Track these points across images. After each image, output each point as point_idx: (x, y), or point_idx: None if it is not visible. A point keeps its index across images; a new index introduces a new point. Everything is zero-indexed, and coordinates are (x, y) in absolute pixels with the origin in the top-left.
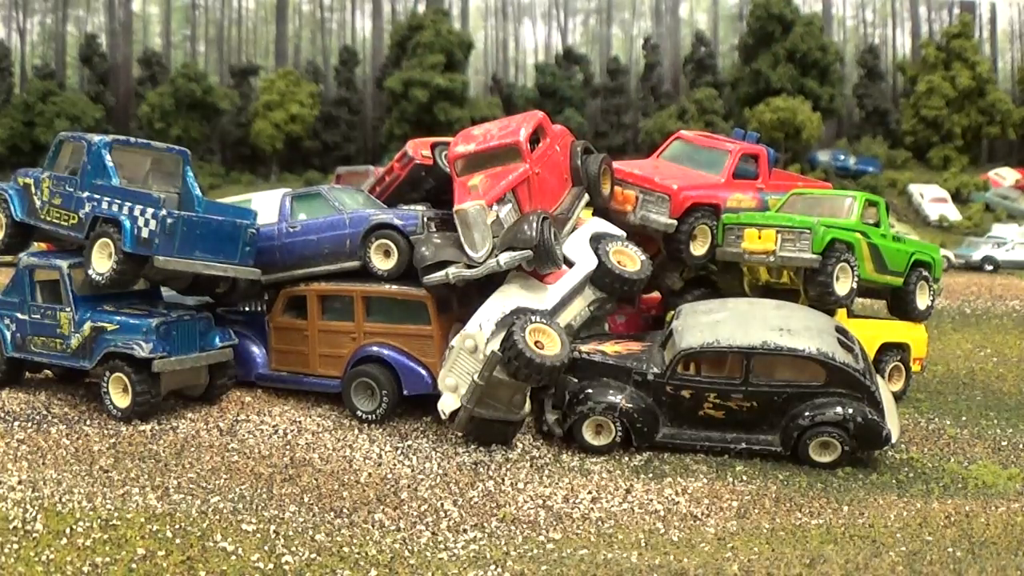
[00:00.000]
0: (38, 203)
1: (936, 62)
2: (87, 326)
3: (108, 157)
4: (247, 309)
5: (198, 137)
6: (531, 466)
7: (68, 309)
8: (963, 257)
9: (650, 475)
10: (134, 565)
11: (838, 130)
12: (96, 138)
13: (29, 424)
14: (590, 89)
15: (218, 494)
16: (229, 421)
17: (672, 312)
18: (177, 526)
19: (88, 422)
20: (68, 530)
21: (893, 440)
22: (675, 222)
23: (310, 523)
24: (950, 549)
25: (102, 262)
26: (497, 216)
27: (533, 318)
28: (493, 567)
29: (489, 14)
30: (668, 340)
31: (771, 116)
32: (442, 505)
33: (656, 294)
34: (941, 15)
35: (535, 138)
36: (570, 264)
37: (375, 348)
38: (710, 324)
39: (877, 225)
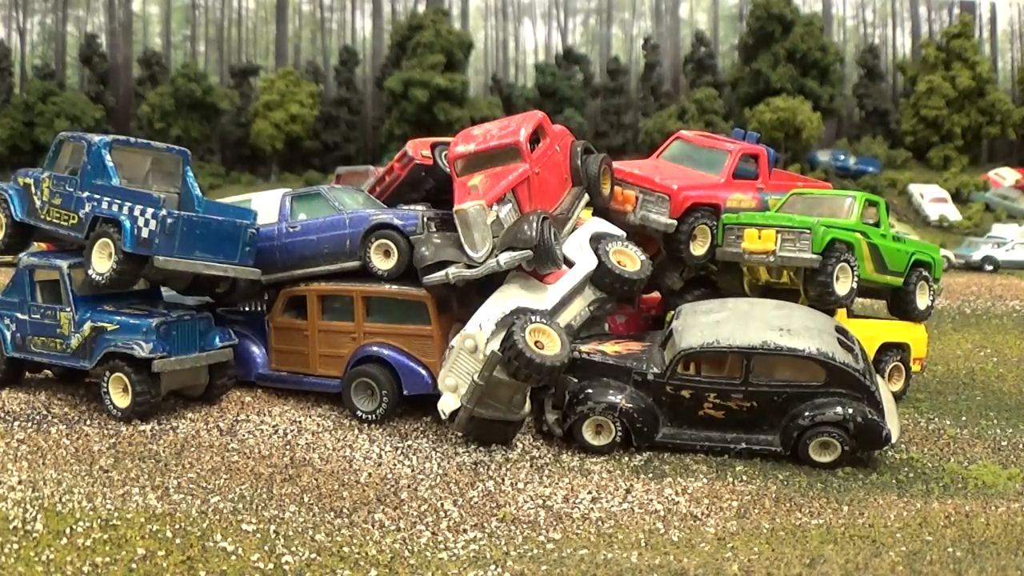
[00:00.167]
0: (38, 203)
1: (936, 62)
2: (87, 326)
3: (108, 157)
4: (247, 309)
5: (198, 137)
6: (531, 466)
7: (68, 309)
8: (963, 257)
9: (650, 475)
10: (134, 565)
11: (838, 130)
12: (96, 138)
13: (29, 424)
14: (590, 89)
15: (218, 494)
16: (229, 421)
17: (672, 312)
18: (177, 526)
19: (88, 422)
20: (68, 530)
21: (893, 440)
22: (675, 222)
23: (310, 523)
24: (950, 549)
25: (102, 262)
26: (497, 216)
27: (533, 318)
28: (493, 567)
29: (489, 14)
30: (668, 340)
31: (771, 116)
32: (442, 505)
33: (656, 294)
34: (941, 15)
35: (535, 138)
36: (570, 264)
37: (375, 348)
38: (710, 324)
39: (877, 225)
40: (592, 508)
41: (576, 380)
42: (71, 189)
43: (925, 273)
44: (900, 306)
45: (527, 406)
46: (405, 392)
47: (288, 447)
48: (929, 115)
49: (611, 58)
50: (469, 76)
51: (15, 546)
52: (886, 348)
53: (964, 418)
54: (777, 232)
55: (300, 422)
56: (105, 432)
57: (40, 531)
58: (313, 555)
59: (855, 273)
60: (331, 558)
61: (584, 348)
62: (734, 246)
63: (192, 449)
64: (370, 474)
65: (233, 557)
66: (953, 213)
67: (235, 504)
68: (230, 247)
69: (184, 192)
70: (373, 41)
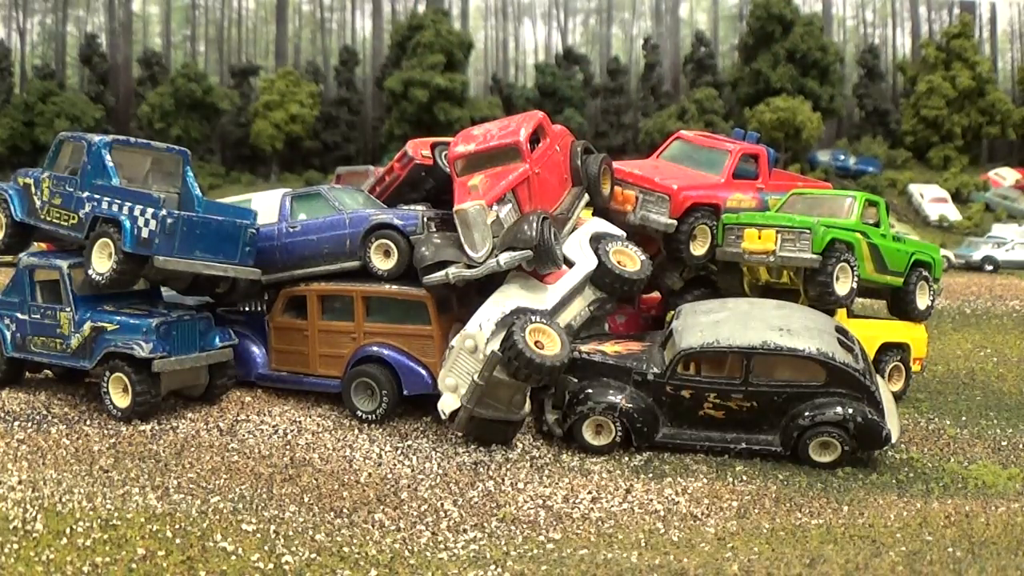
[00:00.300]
0: (38, 203)
1: (936, 62)
2: (87, 326)
3: (108, 157)
4: (247, 309)
5: (198, 137)
6: (531, 466)
7: (68, 309)
8: (963, 257)
9: (650, 475)
10: (134, 565)
11: (838, 130)
12: (96, 138)
13: (29, 424)
14: (590, 89)
15: (218, 494)
16: (229, 421)
17: (672, 312)
18: (177, 526)
19: (88, 422)
20: (68, 530)
21: (893, 440)
22: (675, 222)
23: (310, 523)
24: (950, 549)
25: (102, 262)
26: (497, 216)
27: (533, 318)
28: (493, 567)
29: (489, 14)
30: (668, 340)
31: (771, 116)
32: (442, 505)
33: (656, 294)
34: (941, 15)
35: (535, 138)
36: (570, 264)
37: (375, 348)
38: (710, 324)
39: (877, 225)
40: (592, 508)
41: (576, 380)
42: (71, 189)
43: (925, 273)
44: (900, 306)
45: (527, 406)
46: (405, 392)
47: (288, 447)
48: (929, 115)
49: (611, 58)
50: (469, 76)
51: (15, 546)
52: (886, 348)
53: (964, 418)
54: (777, 232)
55: (300, 422)
56: (105, 432)
57: (40, 531)
58: (313, 555)
59: (855, 273)
60: (331, 558)
61: (584, 348)
62: (734, 246)
63: (192, 449)
64: (370, 474)
65: (233, 557)
66: (953, 213)
67: (235, 504)
68: (230, 247)
69: (184, 192)
70: (373, 41)
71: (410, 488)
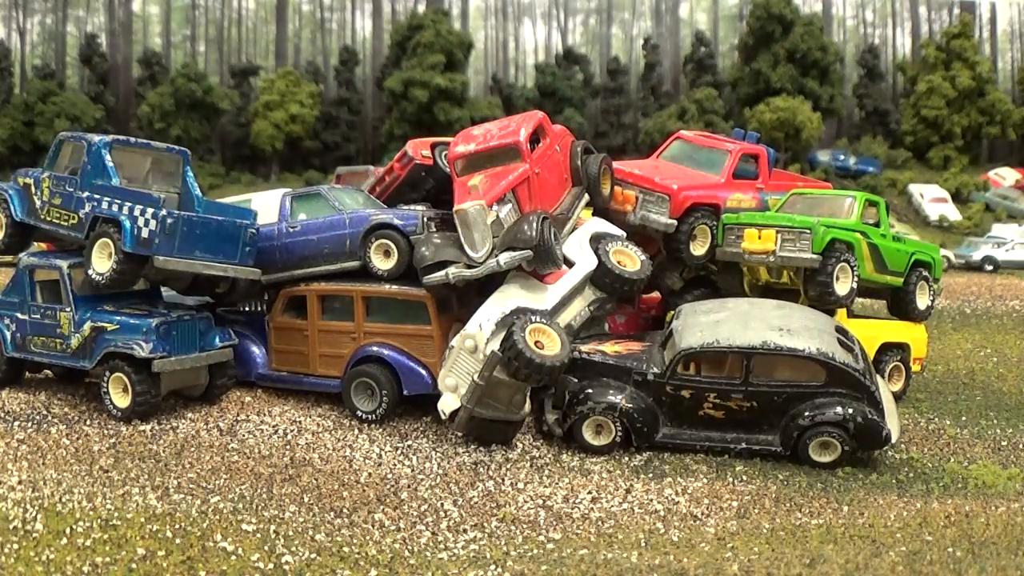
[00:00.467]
0: (38, 203)
1: (936, 62)
2: (87, 326)
3: (108, 157)
4: (247, 309)
5: (198, 137)
6: (531, 466)
7: (68, 309)
8: (963, 257)
9: (650, 475)
10: (134, 565)
11: (838, 130)
12: (96, 138)
13: (29, 424)
14: (590, 89)
15: (218, 494)
16: (229, 421)
17: (672, 312)
18: (177, 526)
19: (88, 422)
20: (68, 530)
21: (893, 440)
22: (675, 222)
23: (310, 523)
24: (950, 549)
25: (102, 262)
26: (497, 216)
27: (533, 318)
28: (493, 567)
29: (489, 14)
30: (668, 340)
31: (771, 116)
32: (442, 505)
33: (656, 294)
34: (941, 15)
35: (535, 138)
36: (570, 264)
37: (375, 348)
38: (710, 324)
39: (877, 225)
40: (592, 508)
41: (576, 380)
42: (71, 189)
43: (925, 273)
44: (900, 306)
45: (527, 406)
46: (405, 392)
47: (288, 447)
48: (929, 115)
49: (611, 58)
50: (469, 76)
51: (15, 546)
52: (886, 348)
53: (964, 418)
54: (777, 232)
55: (300, 422)
56: (105, 432)
57: (40, 531)
58: (313, 555)
59: (855, 273)
60: (331, 558)
61: (584, 348)
62: (734, 246)
63: (192, 449)
64: (370, 474)
65: (233, 557)
66: (953, 213)
67: (235, 504)
68: (230, 247)
69: (184, 192)
70: (373, 41)
71: (410, 488)
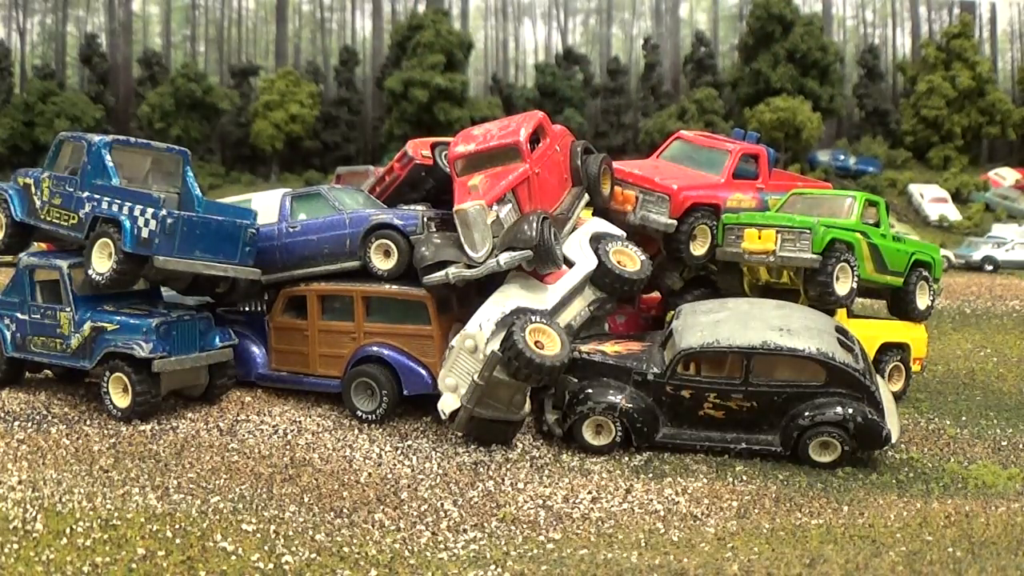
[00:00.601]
0: (38, 203)
1: (936, 62)
2: (87, 326)
3: (108, 157)
4: (247, 309)
5: (198, 137)
6: (531, 466)
7: (68, 309)
8: (963, 257)
9: (650, 475)
10: (134, 565)
11: (838, 130)
12: (96, 138)
13: (29, 424)
14: (590, 89)
15: (218, 494)
16: (229, 421)
17: (672, 312)
18: (177, 526)
19: (88, 422)
20: (68, 530)
21: (893, 440)
22: (675, 222)
23: (310, 523)
24: (950, 549)
25: (102, 262)
26: (497, 216)
27: (533, 318)
28: (493, 567)
29: (489, 14)
30: (668, 340)
31: (771, 116)
32: (442, 505)
33: (656, 294)
34: (941, 15)
35: (535, 138)
36: (570, 264)
37: (375, 348)
38: (710, 324)
39: (877, 225)
40: (592, 508)
41: (576, 380)
42: (71, 189)
43: (925, 273)
44: (900, 306)
45: (527, 406)
46: (405, 392)
47: (288, 447)
48: (929, 115)
49: (611, 58)
50: (469, 76)
51: (15, 546)
52: (886, 348)
53: (964, 418)
54: (777, 232)
55: (300, 422)
56: (105, 432)
57: (40, 531)
58: (313, 555)
59: (855, 273)
60: (331, 558)
61: (584, 348)
62: (734, 246)
63: (192, 449)
64: (370, 474)
65: (233, 557)
66: (953, 213)
67: (235, 504)
68: (230, 247)
69: (184, 192)
70: (373, 41)
71: (410, 488)
